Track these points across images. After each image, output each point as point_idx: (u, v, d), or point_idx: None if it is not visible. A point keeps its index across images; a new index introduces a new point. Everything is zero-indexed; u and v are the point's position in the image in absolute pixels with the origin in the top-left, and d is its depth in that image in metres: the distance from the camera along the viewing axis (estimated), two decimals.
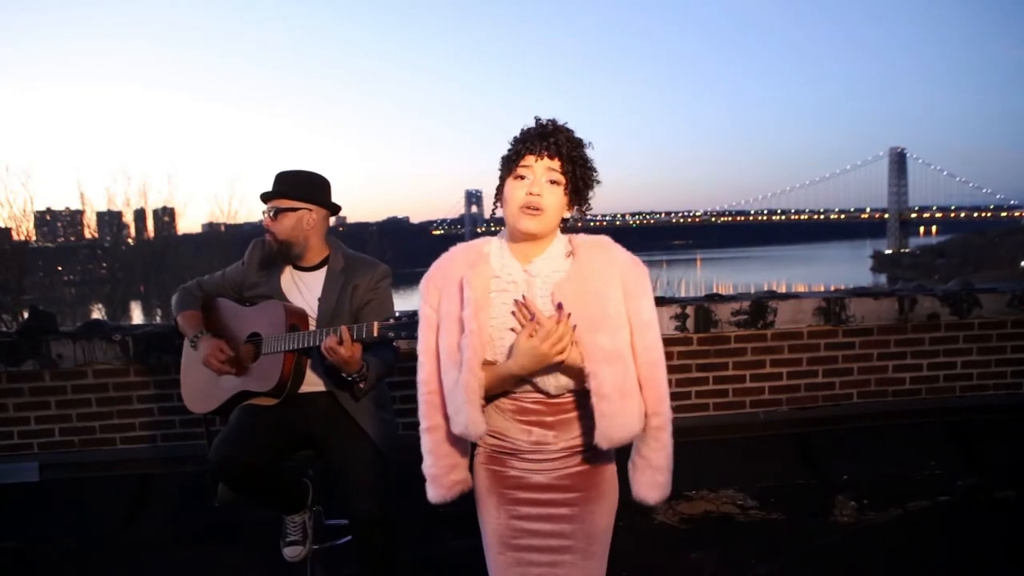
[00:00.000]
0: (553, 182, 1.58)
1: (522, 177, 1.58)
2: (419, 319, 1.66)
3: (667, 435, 1.62)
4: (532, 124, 1.62)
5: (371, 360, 2.32)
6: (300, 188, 2.46)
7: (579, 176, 1.60)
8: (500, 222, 1.68)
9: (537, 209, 1.56)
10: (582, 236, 1.67)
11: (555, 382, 1.59)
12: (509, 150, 1.61)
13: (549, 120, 1.61)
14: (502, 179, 1.63)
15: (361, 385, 2.33)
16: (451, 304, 1.60)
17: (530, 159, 1.58)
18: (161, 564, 3.08)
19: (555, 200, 1.58)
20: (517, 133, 1.62)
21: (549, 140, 1.57)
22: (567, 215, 1.64)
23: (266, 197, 2.47)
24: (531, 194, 1.56)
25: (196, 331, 2.50)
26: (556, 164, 1.58)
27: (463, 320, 1.57)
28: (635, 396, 1.57)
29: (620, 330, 1.57)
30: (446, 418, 1.61)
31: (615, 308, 1.57)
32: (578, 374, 1.56)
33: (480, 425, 1.57)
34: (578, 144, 1.60)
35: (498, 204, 1.66)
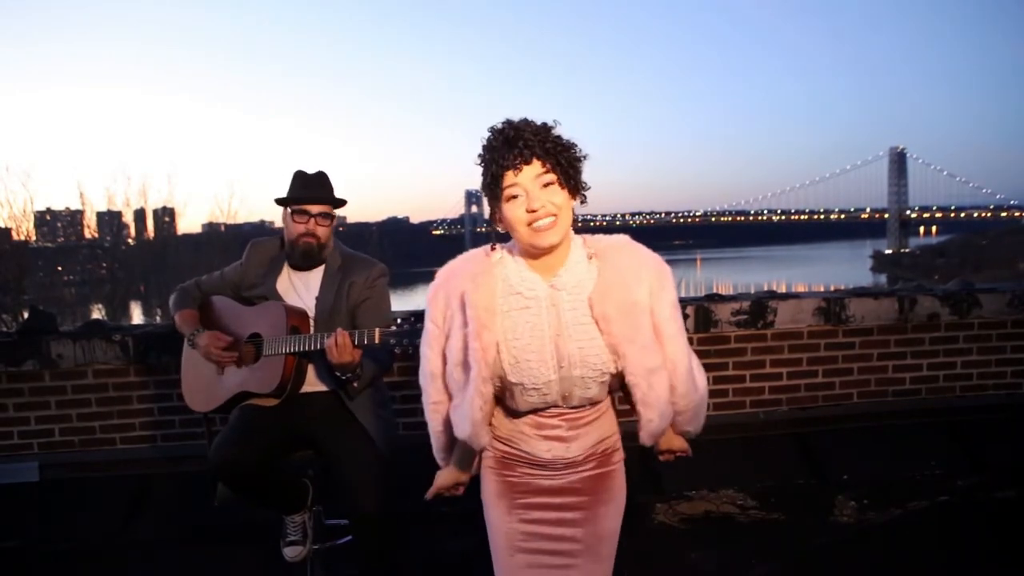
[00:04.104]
0: (544, 185, 1.47)
1: (514, 196, 1.47)
2: (424, 332, 1.61)
3: (692, 409, 1.61)
4: (490, 135, 1.49)
5: (365, 362, 2.36)
6: (334, 193, 2.50)
7: (565, 164, 1.48)
8: (505, 237, 1.57)
9: (546, 219, 1.46)
10: (600, 237, 1.57)
11: (582, 394, 1.55)
12: (484, 171, 1.49)
13: (504, 123, 1.48)
14: (493, 204, 1.51)
15: (355, 384, 2.36)
16: (457, 319, 1.53)
17: (510, 176, 1.46)
18: (161, 564, 3.08)
19: (557, 199, 1.47)
20: (481, 150, 1.49)
21: (518, 146, 1.45)
22: (574, 205, 1.53)
23: (314, 200, 2.44)
24: (531, 211, 1.45)
25: (193, 329, 2.50)
26: (536, 166, 1.46)
27: (467, 338, 1.50)
28: (667, 394, 1.54)
29: (653, 336, 1.52)
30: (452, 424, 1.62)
31: (648, 317, 1.52)
32: (607, 387, 1.56)
33: (483, 439, 1.57)
34: (546, 131, 1.48)
35: (500, 227, 1.54)
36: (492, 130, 1.49)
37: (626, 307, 1.50)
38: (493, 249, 1.59)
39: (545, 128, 1.48)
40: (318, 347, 2.28)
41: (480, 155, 1.50)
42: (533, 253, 1.52)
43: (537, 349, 1.50)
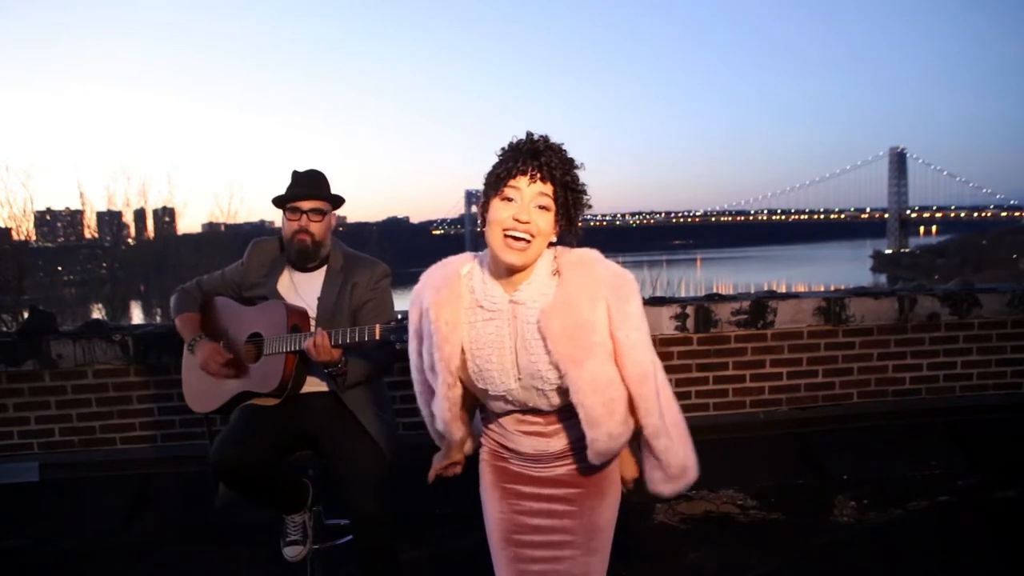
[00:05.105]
0: (542, 207, 1.49)
1: (509, 199, 1.48)
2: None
3: (662, 442, 1.58)
4: (522, 137, 1.52)
5: (352, 359, 2.37)
6: (328, 190, 2.49)
7: (570, 202, 1.51)
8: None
9: (522, 240, 1.47)
10: (568, 252, 1.57)
11: (548, 403, 1.57)
12: (498, 166, 1.51)
13: (541, 136, 1.51)
14: (487, 196, 1.52)
15: (343, 373, 2.38)
16: (426, 327, 1.60)
17: (521, 180, 1.48)
18: (161, 564, 3.08)
19: (544, 226, 1.49)
20: (505, 145, 1.53)
21: (541, 160, 1.47)
22: (553, 238, 1.55)
23: (305, 196, 2.42)
24: (517, 220, 1.47)
25: (193, 335, 2.50)
26: (548, 189, 1.48)
27: (432, 347, 1.58)
28: (620, 412, 1.53)
29: (607, 354, 1.51)
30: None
31: (601, 336, 1.50)
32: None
33: (456, 434, 1.68)
34: (571, 166, 1.52)
35: (481, 223, 1.55)
36: (528, 134, 1.52)
37: (572, 329, 1.49)
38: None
39: (571, 162, 1.52)
40: None
41: (502, 148, 1.53)
42: (498, 265, 1.53)
43: (498, 360, 1.55)
